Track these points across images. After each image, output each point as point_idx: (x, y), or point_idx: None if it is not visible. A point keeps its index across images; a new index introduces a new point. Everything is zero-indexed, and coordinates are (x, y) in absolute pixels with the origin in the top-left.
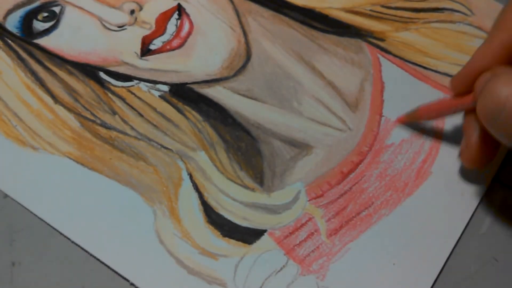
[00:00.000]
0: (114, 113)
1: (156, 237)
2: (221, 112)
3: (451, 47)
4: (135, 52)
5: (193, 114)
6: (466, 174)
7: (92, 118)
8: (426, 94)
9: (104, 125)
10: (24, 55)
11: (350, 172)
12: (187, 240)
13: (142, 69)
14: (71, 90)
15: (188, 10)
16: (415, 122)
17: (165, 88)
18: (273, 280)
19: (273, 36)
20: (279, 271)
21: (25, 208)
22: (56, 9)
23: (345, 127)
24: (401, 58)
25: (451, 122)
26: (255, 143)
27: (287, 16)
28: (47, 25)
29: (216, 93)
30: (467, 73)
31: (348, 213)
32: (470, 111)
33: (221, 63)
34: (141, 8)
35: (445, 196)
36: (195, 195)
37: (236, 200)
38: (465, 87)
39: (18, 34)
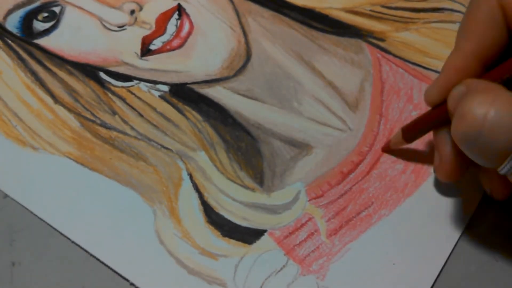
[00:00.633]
0: (114, 113)
1: (156, 237)
2: (221, 112)
3: (451, 47)
4: (135, 52)
5: (193, 114)
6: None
7: (92, 118)
8: None
9: (104, 125)
10: (24, 55)
11: (350, 172)
12: (187, 240)
13: (142, 69)
14: (71, 90)
15: (188, 10)
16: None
17: (165, 88)
18: (273, 280)
19: (273, 36)
20: (279, 271)
21: (25, 208)
22: (56, 9)
23: (345, 127)
24: (401, 58)
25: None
26: (255, 143)
27: (287, 16)
28: (47, 25)
29: (216, 93)
30: (440, 86)
31: (348, 213)
32: (441, 124)
33: (221, 63)
34: (141, 8)
35: (445, 196)
36: (195, 195)
37: (236, 200)
38: (440, 99)
39: (18, 34)
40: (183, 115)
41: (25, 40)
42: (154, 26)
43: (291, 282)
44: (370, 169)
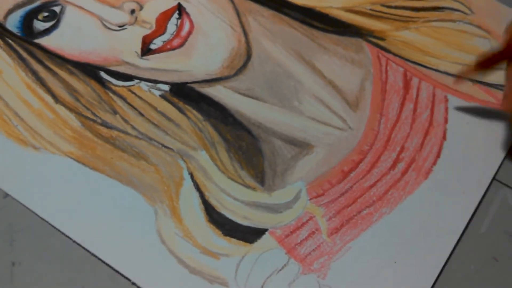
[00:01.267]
0: (115, 112)
1: (157, 236)
2: (221, 111)
3: (451, 45)
4: (136, 52)
5: (194, 114)
6: (467, 173)
7: (93, 117)
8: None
9: (105, 124)
10: (24, 54)
11: (351, 171)
12: (188, 240)
13: (142, 68)
14: (72, 90)
15: (188, 9)
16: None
17: (166, 87)
18: (275, 279)
19: (273, 35)
20: (280, 270)
21: (26, 208)
22: (57, 9)
23: (346, 126)
24: (401, 57)
25: (452, 121)
26: (256, 142)
27: (287, 15)
28: (47, 24)
29: (216, 92)
30: None
31: (349, 212)
32: None
33: (222, 63)
34: (141, 8)
35: (445, 195)
36: (196, 194)
37: (237, 199)
38: None
39: (18, 34)
40: (184, 114)
41: (25, 39)
42: (154, 25)
43: (292, 281)
44: (371, 168)
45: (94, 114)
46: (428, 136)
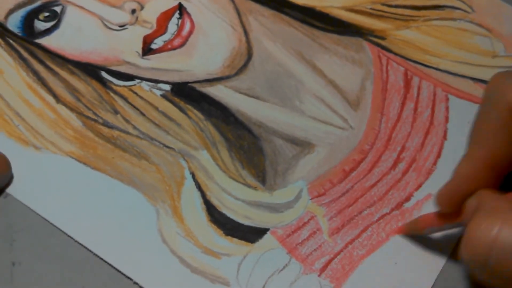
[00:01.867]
0: (116, 112)
1: (159, 236)
2: (223, 111)
3: (452, 44)
4: (137, 52)
5: (195, 113)
6: None
7: (94, 117)
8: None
9: (106, 124)
10: (25, 54)
11: (352, 170)
12: (190, 239)
13: (143, 68)
14: (73, 90)
15: (189, 9)
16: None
17: (167, 87)
18: (276, 279)
19: (274, 35)
20: (281, 269)
21: (26, 207)
22: (57, 9)
23: (347, 126)
24: (402, 56)
25: (452, 121)
26: (257, 141)
27: (287, 15)
28: (48, 24)
29: (217, 92)
30: (452, 193)
31: (350, 211)
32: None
33: (223, 62)
34: (142, 7)
35: None
36: (197, 194)
37: (238, 198)
38: (452, 207)
39: (19, 34)
40: (185, 114)
41: (26, 39)
42: (155, 25)
43: (294, 281)
44: (372, 167)
45: (95, 114)
46: (429, 135)
